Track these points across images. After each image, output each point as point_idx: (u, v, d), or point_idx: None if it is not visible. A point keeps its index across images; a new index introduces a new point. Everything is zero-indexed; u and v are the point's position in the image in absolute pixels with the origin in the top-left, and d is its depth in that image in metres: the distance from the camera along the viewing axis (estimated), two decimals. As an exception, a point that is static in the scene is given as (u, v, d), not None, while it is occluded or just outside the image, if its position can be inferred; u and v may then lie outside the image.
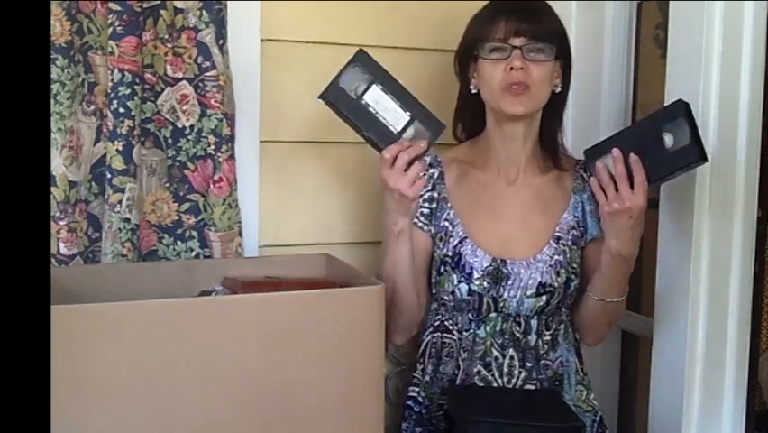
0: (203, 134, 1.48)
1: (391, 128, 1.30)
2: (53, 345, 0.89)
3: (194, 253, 1.50)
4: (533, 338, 1.43)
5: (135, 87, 1.41)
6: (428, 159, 1.45)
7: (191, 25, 1.45)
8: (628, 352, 1.81)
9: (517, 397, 1.39)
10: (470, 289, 1.40)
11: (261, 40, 1.57)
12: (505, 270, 1.41)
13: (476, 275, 1.40)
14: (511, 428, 1.23)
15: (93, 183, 1.47)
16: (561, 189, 1.48)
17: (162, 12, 1.44)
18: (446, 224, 1.44)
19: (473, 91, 1.44)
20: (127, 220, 1.43)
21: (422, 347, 1.49)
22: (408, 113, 1.30)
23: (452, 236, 1.43)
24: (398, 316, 1.40)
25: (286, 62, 1.61)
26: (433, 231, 1.45)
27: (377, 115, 1.30)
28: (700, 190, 1.37)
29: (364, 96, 1.30)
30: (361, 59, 1.30)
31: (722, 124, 1.35)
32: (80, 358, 1.02)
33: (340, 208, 1.68)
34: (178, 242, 1.50)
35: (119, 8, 1.38)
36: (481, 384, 1.41)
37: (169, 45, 1.46)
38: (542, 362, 1.43)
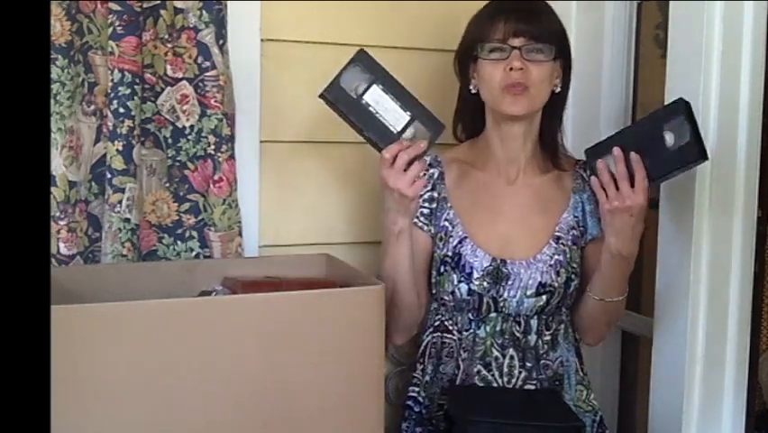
0: (203, 134, 1.48)
1: (391, 128, 1.30)
2: (53, 345, 0.89)
3: (194, 253, 1.50)
4: (533, 338, 1.43)
5: (135, 87, 1.41)
6: (428, 159, 1.45)
7: (191, 25, 1.45)
8: (628, 352, 1.81)
9: (517, 397, 1.39)
10: (469, 289, 1.40)
11: (261, 40, 1.57)
12: (505, 270, 1.41)
13: (476, 275, 1.40)
14: (511, 428, 1.23)
15: (93, 183, 1.47)
16: (560, 189, 1.48)
17: (162, 12, 1.44)
18: (446, 224, 1.44)
19: (473, 91, 1.44)
20: (127, 220, 1.43)
21: (422, 347, 1.49)
22: (408, 113, 1.31)
23: (451, 236, 1.43)
24: (398, 316, 1.40)
25: (286, 62, 1.61)
26: (433, 231, 1.45)
27: (377, 115, 1.30)
28: (700, 190, 1.37)
29: (364, 96, 1.30)
30: (362, 59, 1.30)
31: (722, 123, 1.35)
32: (80, 358, 1.02)
33: (340, 208, 1.68)
34: (178, 242, 1.50)
35: (119, 8, 1.38)
36: (481, 384, 1.41)
37: (169, 45, 1.46)
38: (542, 362, 1.43)
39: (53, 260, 1.41)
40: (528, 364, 1.42)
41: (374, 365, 1.14)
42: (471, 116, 1.51)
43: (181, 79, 1.47)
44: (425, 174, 1.37)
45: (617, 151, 1.30)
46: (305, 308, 1.11)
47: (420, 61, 1.69)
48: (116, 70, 1.39)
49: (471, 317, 1.43)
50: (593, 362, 1.68)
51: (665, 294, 1.45)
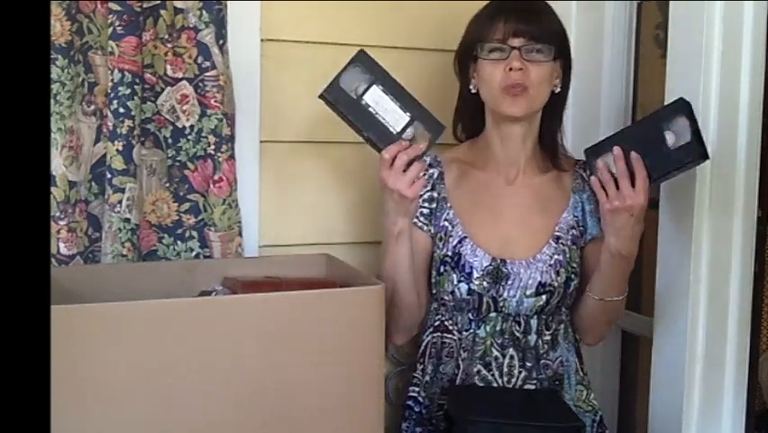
0: (203, 134, 1.48)
1: (391, 129, 1.30)
2: (53, 345, 0.89)
3: (194, 253, 1.50)
4: (533, 338, 1.43)
5: (135, 87, 1.41)
6: (428, 159, 1.45)
7: (191, 25, 1.45)
8: (628, 352, 1.81)
9: (517, 397, 1.39)
10: (469, 288, 1.40)
11: (261, 40, 1.57)
12: (504, 269, 1.41)
13: (476, 275, 1.40)
14: (511, 428, 1.23)
15: (93, 183, 1.47)
16: (560, 189, 1.48)
17: (162, 12, 1.44)
18: (446, 224, 1.44)
19: (473, 91, 1.44)
20: (127, 220, 1.43)
21: (422, 347, 1.49)
22: (408, 113, 1.30)
23: (451, 236, 1.43)
24: (399, 316, 1.40)
25: (286, 62, 1.61)
26: (432, 231, 1.45)
27: (377, 116, 1.30)
28: (700, 190, 1.37)
29: (364, 97, 1.30)
30: (362, 60, 1.30)
31: (722, 123, 1.35)
32: (80, 358, 1.02)
33: (340, 208, 1.68)
34: (178, 242, 1.50)
35: (119, 8, 1.38)
36: (481, 384, 1.41)
37: (169, 45, 1.46)
38: (542, 361, 1.43)
39: (53, 260, 1.41)
40: (528, 364, 1.42)
41: (374, 365, 1.14)
42: (471, 116, 1.51)
43: (181, 79, 1.47)
44: (424, 174, 1.37)
45: (617, 149, 1.30)
46: (305, 308, 1.11)
47: (420, 61, 1.69)
48: (116, 70, 1.39)
49: (471, 317, 1.43)
50: (593, 362, 1.68)
51: (665, 294, 1.45)
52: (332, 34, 1.62)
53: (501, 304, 1.41)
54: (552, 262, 1.41)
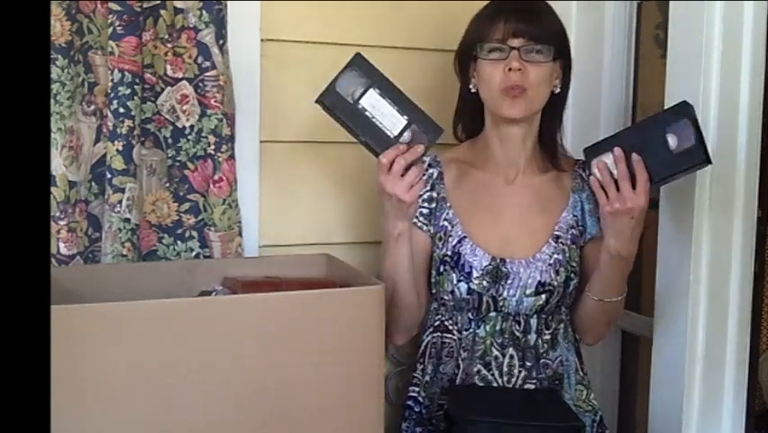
0: (203, 134, 1.48)
1: (388, 132, 1.29)
2: (53, 345, 0.89)
3: (194, 253, 1.50)
4: (532, 337, 1.43)
5: (135, 87, 1.41)
6: (427, 159, 1.45)
7: (191, 25, 1.45)
8: (628, 352, 1.81)
9: (517, 397, 1.39)
10: (469, 288, 1.40)
11: (261, 40, 1.57)
12: (504, 269, 1.41)
13: (475, 274, 1.40)
14: (511, 427, 1.23)
15: (93, 183, 1.47)
16: (560, 189, 1.48)
17: (162, 12, 1.44)
18: (445, 223, 1.44)
19: (473, 90, 1.44)
20: (127, 220, 1.43)
21: (422, 347, 1.49)
22: (405, 117, 1.29)
23: (451, 236, 1.43)
24: (399, 316, 1.40)
25: (286, 62, 1.61)
26: (432, 231, 1.45)
27: (374, 120, 1.29)
28: (700, 190, 1.37)
29: (361, 101, 1.28)
30: (358, 63, 1.29)
31: (722, 124, 1.35)
32: (80, 358, 1.02)
33: (340, 209, 1.68)
34: (178, 242, 1.50)
35: (119, 8, 1.38)
36: (481, 384, 1.41)
37: (169, 45, 1.46)
38: (541, 361, 1.43)
39: (53, 260, 1.41)
40: (528, 364, 1.42)
41: (374, 365, 1.14)
42: (471, 116, 1.51)
43: (181, 79, 1.47)
44: (423, 176, 1.37)
45: (618, 150, 1.29)
46: (305, 308, 1.11)
47: (420, 61, 1.69)
48: (116, 70, 1.39)
49: (471, 317, 1.43)
50: (593, 362, 1.69)
51: (665, 294, 1.45)
52: (332, 34, 1.62)
53: (501, 303, 1.41)
54: (551, 261, 1.41)
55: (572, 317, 1.49)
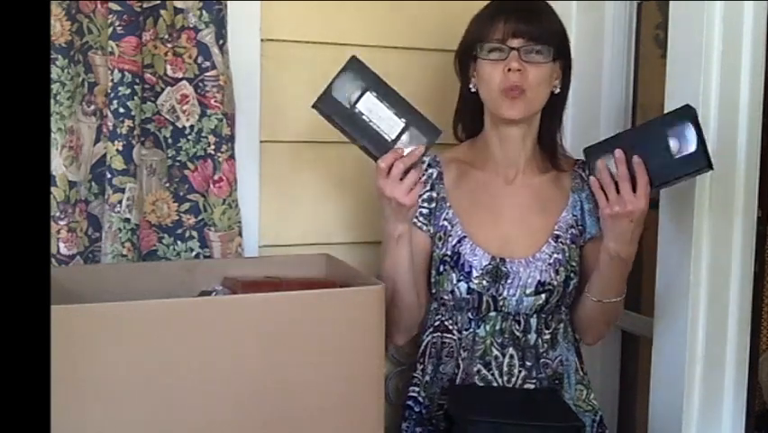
0: (203, 134, 1.48)
1: (386, 136, 1.28)
2: (53, 345, 0.89)
3: (194, 253, 1.50)
4: (532, 337, 1.43)
5: (135, 87, 1.41)
6: (427, 159, 1.45)
7: (191, 25, 1.45)
8: (628, 352, 1.81)
9: (517, 396, 1.39)
10: (469, 287, 1.40)
11: (261, 40, 1.58)
12: (504, 268, 1.41)
13: (475, 274, 1.40)
14: (511, 427, 1.23)
15: (93, 183, 1.47)
16: (559, 189, 1.48)
17: (162, 12, 1.44)
18: (445, 223, 1.44)
19: (473, 90, 1.44)
20: (127, 220, 1.43)
21: (422, 347, 1.49)
22: (403, 119, 1.28)
23: (451, 236, 1.43)
24: (399, 316, 1.40)
25: (286, 62, 1.61)
26: (432, 231, 1.45)
27: (371, 124, 1.28)
28: (700, 191, 1.37)
29: (357, 105, 1.27)
30: (354, 67, 1.28)
31: (722, 124, 1.35)
32: (80, 358, 1.02)
33: (340, 209, 1.68)
34: (178, 242, 1.50)
35: (119, 8, 1.39)
36: (481, 384, 1.41)
37: (169, 45, 1.46)
38: (541, 361, 1.43)
39: (53, 260, 1.41)
40: (528, 363, 1.42)
41: (374, 365, 1.14)
42: (471, 116, 1.51)
43: (181, 79, 1.47)
44: (422, 177, 1.37)
45: (618, 152, 1.28)
46: (305, 308, 1.11)
47: (420, 61, 1.69)
48: (116, 70, 1.40)
49: (471, 317, 1.43)
50: (593, 361, 1.69)
51: (665, 294, 1.45)
52: (332, 34, 1.62)
53: (501, 303, 1.41)
54: (551, 260, 1.41)
55: (572, 317, 1.49)
